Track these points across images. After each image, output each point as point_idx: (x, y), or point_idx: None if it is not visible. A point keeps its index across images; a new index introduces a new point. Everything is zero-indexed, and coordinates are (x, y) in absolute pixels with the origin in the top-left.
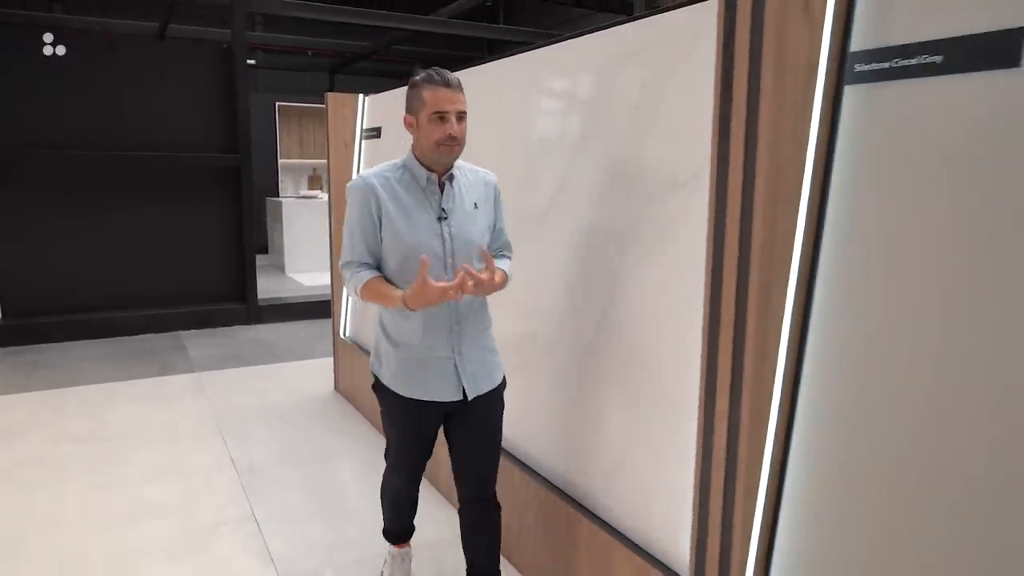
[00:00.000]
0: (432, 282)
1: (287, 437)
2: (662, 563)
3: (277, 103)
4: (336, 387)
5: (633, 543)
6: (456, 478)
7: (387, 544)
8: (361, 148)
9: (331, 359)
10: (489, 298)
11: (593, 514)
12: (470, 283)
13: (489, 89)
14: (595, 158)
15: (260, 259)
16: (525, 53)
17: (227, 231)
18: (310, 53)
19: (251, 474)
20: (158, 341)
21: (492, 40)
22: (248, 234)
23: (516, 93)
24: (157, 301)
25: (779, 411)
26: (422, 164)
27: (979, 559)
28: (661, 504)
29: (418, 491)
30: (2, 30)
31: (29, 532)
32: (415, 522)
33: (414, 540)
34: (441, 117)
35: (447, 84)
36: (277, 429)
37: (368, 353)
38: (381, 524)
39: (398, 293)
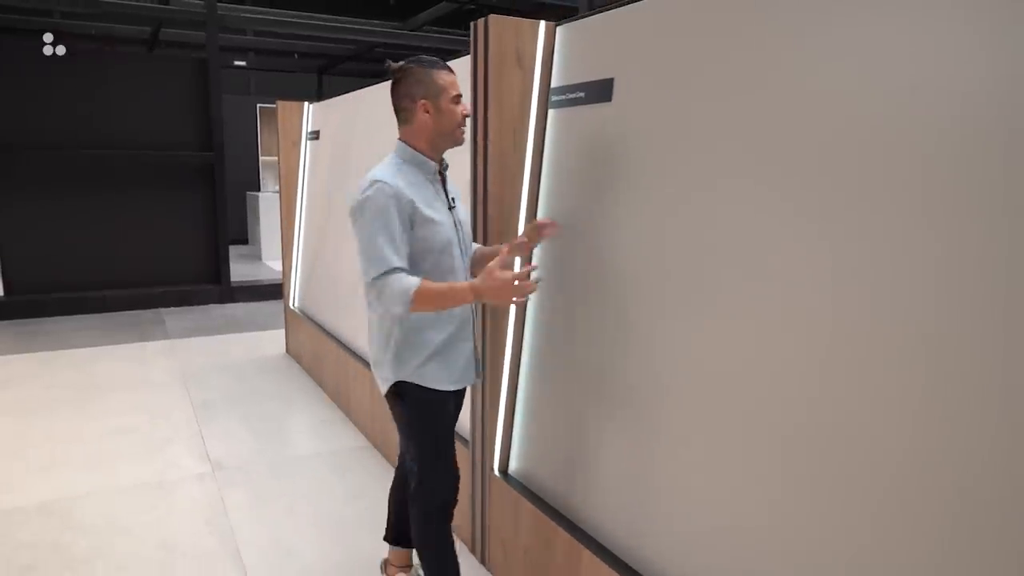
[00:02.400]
0: (507, 272)
1: (237, 384)
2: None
3: (258, 105)
4: (287, 350)
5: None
6: None
7: None
8: (306, 148)
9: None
10: None
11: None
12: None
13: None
14: None
15: (240, 248)
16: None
17: (204, 220)
18: (296, 56)
19: (203, 408)
20: (141, 316)
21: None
22: (222, 223)
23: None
24: (142, 281)
25: (512, 343)
26: (426, 156)
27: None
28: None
29: None
30: (3, 34)
31: (26, 446)
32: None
33: None
34: (457, 100)
35: (450, 69)
36: (230, 379)
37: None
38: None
39: (462, 286)
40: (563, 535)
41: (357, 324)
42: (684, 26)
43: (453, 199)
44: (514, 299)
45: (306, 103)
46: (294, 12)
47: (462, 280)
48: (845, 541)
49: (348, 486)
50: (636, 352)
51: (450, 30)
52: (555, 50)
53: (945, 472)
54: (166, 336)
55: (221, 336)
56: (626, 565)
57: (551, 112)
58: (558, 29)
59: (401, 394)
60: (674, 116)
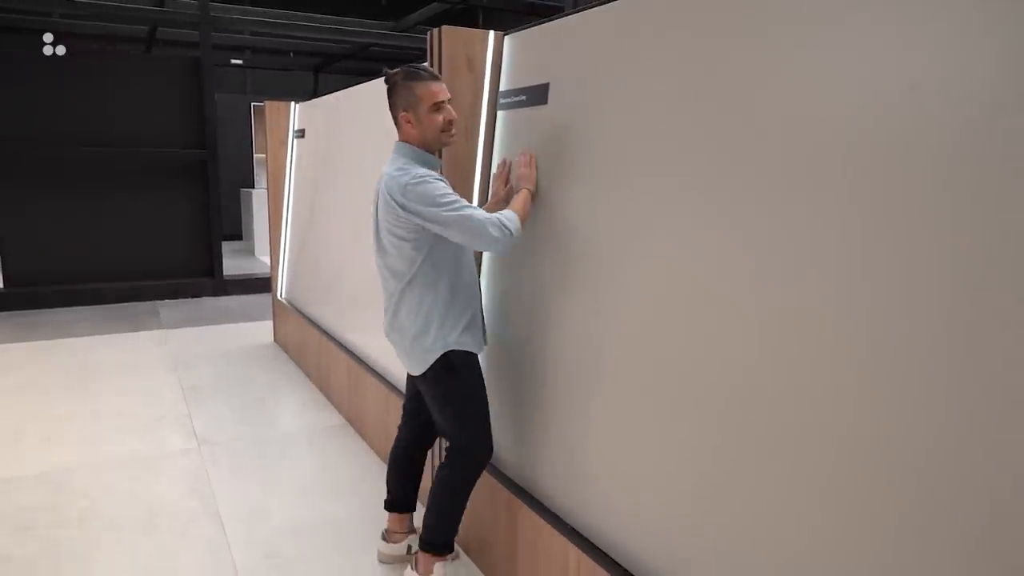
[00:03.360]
0: (522, 169)
1: (225, 370)
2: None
3: (252, 104)
4: (275, 339)
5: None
6: (425, 426)
7: (437, 564)
8: (293, 146)
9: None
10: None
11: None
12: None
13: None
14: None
15: (235, 244)
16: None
17: (198, 216)
18: (291, 55)
19: (192, 391)
20: (137, 308)
21: None
22: (215, 219)
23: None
24: (138, 275)
25: None
26: (428, 149)
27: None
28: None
29: None
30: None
31: (25, 424)
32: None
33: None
34: (438, 107)
35: (435, 77)
36: (219, 365)
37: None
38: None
39: (523, 195)
40: (504, 493)
41: (338, 312)
42: (603, 37)
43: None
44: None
45: (292, 103)
46: (287, 12)
47: (470, 258)
48: (749, 496)
49: (323, 459)
50: (572, 335)
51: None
52: (504, 57)
53: (870, 437)
54: (160, 326)
55: (213, 326)
56: (560, 519)
57: (500, 113)
58: (506, 38)
59: (449, 363)
60: (595, 116)
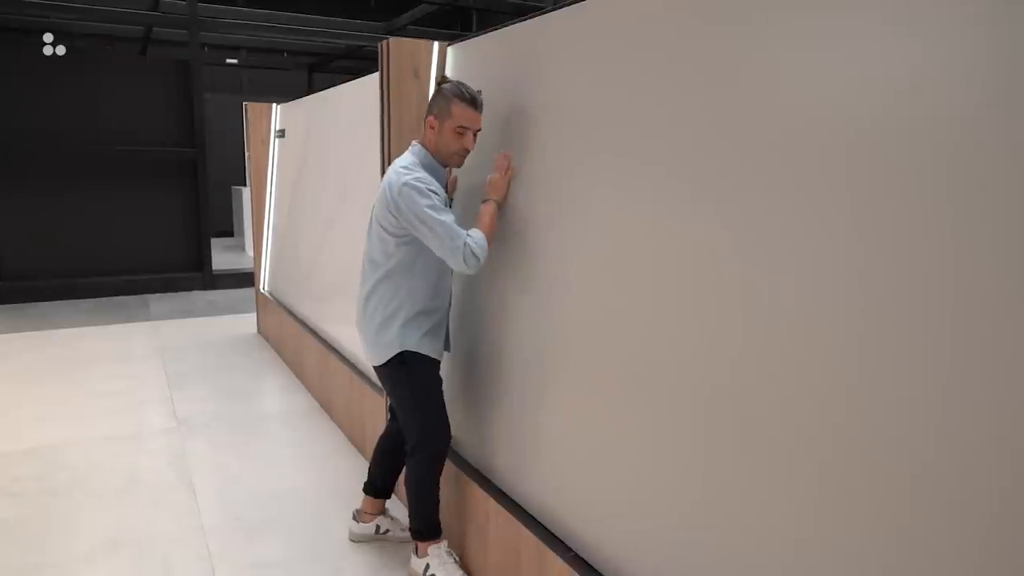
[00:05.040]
0: (492, 174)
1: (208, 358)
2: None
3: (244, 103)
4: (258, 330)
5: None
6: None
7: (431, 547)
8: (275, 146)
9: None
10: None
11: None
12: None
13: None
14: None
15: (226, 240)
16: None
17: (188, 212)
18: (285, 54)
19: (176, 377)
20: (128, 301)
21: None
22: (204, 215)
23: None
24: (129, 269)
25: None
26: (436, 162)
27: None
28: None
29: None
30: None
31: (17, 406)
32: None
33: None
34: (462, 131)
35: (474, 104)
36: (202, 354)
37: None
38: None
39: (489, 208)
40: (452, 468)
41: (312, 304)
42: (524, 49)
43: (450, 198)
44: (509, 177)
45: (274, 104)
46: (274, 12)
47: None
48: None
49: (294, 437)
50: (518, 332)
51: (431, 28)
52: (448, 66)
53: (805, 414)
54: (149, 318)
55: (200, 318)
56: (508, 498)
57: None
58: (449, 48)
59: (404, 361)
60: (519, 119)
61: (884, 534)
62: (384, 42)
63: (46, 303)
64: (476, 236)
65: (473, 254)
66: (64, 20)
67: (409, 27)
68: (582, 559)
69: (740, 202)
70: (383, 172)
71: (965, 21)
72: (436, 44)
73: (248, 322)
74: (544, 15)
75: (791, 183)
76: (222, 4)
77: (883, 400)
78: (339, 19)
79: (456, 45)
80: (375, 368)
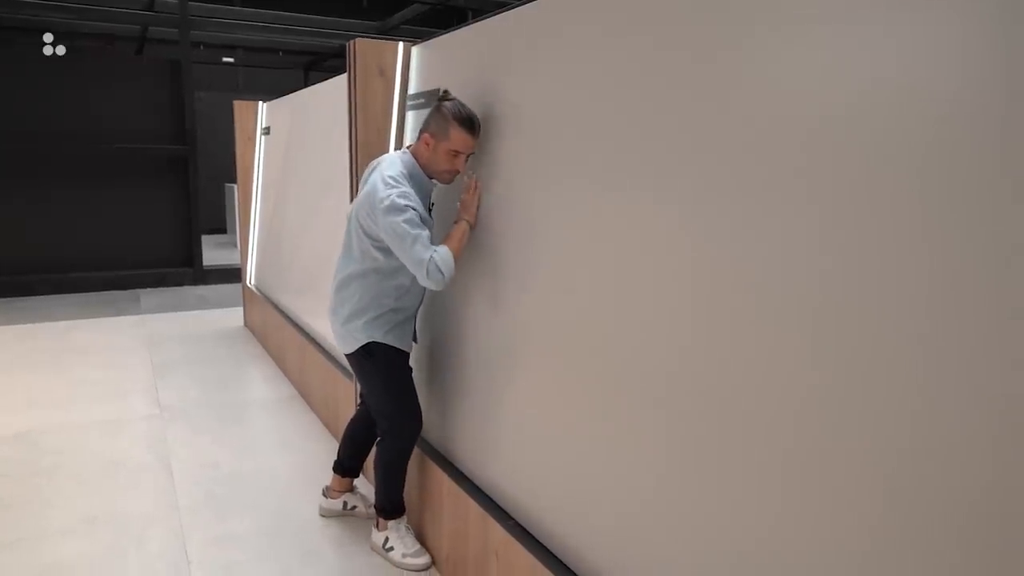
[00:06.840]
0: (463, 196)
1: (193, 350)
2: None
3: (235, 101)
4: (244, 323)
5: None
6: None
7: (391, 522)
8: (261, 143)
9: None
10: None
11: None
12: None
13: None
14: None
15: (219, 237)
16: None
17: (179, 209)
18: (280, 53)
19: (161, 367)
20: (119, 295)
21: None
22: (194, 211)
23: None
24: (121, 264)
25: None
26: (424, 174)
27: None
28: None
29: None
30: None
31: (6, 393)
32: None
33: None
34: (456, 154)
35: (472, 130)
36: (188, 345)
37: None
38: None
39: (461, 228)
40: (417, 452)
41: (292, 297)
42: (482, 48)
43: (432, 203)
44: (478, 199)
45: (260, 102)
46: (265, 11)
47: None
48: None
49: (272, 424)
50: (480, 328)
51: (423, 28)
52: (412, 66)
53: (751, 391)
54: (139, 312)
55: (189, 312)
56: (464, 477)
57: (409, 113)
58: (414, 48)
59: (371, 352)
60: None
61: (830, 521)
62: (351, 42)
63: (38, 297)
64: (442, 252)
65: (438, 269)
66: (59, 19)
67: (402, 27)
68: (522, 527)
69: (693, 189)
70: (353, 167)
71: (952, 21)
72: (401, 44)
73: (235, 316)
74: (506, 12)
75: (760, 180)
76: (217, 3)
77: (830, 385)
78: (332, 19)
79: (420, 45)
80: (346, 355)
